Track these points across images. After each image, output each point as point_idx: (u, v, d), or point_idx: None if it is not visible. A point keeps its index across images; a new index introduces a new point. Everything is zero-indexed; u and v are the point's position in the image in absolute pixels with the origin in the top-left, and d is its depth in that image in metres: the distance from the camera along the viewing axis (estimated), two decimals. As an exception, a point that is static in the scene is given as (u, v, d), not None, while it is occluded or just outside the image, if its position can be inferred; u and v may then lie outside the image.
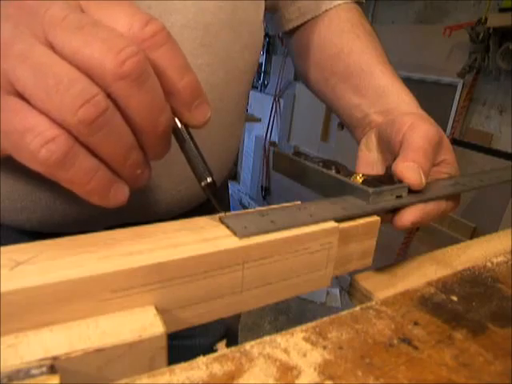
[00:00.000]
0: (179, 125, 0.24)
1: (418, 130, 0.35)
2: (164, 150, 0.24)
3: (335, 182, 0.32)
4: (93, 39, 0.19)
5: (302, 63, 0.53)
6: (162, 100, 0.22)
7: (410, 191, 0.32)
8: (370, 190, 0.29)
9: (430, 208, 0.32)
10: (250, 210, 0.27)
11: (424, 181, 0.31)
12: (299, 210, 0.27)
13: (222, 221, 0.25)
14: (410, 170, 0.32)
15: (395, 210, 0.31)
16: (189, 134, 0.24)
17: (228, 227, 0.24)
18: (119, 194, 0.22)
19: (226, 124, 0.42)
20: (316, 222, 0.26)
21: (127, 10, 0.21)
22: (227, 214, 0.26)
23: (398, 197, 0.31)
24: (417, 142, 0.34)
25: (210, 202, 0.25)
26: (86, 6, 0.22)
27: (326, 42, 0.49)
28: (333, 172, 0.33)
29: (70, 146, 0.20)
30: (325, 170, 0.33)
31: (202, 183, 0.24)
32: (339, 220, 0.27)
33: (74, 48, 0.19)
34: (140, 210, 0.38)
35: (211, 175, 0.24)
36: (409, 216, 0.31)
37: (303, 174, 0.35)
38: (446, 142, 0.37)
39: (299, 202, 0.29)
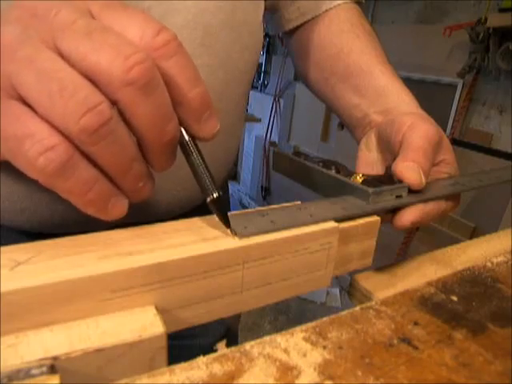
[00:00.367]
0: (186, 137, 0.23)
1: (417, 130, 0.35)
2: (169, 162, 0.24)
3: (335, 182, 0.32)
4: (101, 45, 0.19)
5: (301, 63, 0.53)
6: (169, 109, 0.21)
7: (410, 191, 0.32)
8: (370, 189, 0.29)
9: (430, 208, 0.32)
10: (249, 210, 0.27)
11: (424, 181, 0.31)
12: (299, 210, 0.27)
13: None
14: (409, 170, 0.32)
15: (395, 210, 0.31)
16: (196, 146, 0.24)
17: (228, 227, 0.24)
18: (118, 207, 0.22)
19: (225, 125, 0.41)
20: (316, 222, 0.26)
21: (139, 17, 0.21)
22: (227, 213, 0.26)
23: (398, 197, 0.31)
24: (416, 141, 0.34)
25: None
26: (97, 12, 0.21)
27: (326, 42, 0.49)
28: (333, 172, 0.33)
29: (70, 156, 0.19)
30: (325, 170, 0.33)
31: (208, 198, 0.24)
32: (339, 220, 0.27)
33: (82, 54, 0.19)
34: (141, 211, 0.38)
35: (217, 190, 0.24)
36: (409, 216, 0.31)
37: (303, 174, 0.35)
38: (446, 141, 0.37)
39: (299, 202, 0.29)
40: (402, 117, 0.37)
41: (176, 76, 0.21)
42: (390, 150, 0.38)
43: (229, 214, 0.25)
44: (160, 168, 0.23)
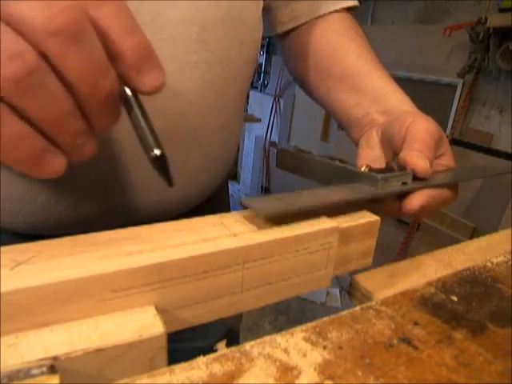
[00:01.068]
0: (128, 92, 0.22)
1: (420, 125, 0.36)
2: (110, 119, 0.22)
3: (342, 172, 0.34)
4: None
5: (295, 65, 0.53)
6: (103, 61, 0.20)
7: (414, 179, 0.33)
8: (379, 175, 0.31)
9: (436, 193, 0.33)
10: (266, 196, 0.27)
11: (430, 169, 0.32)
12: (314, 194, 0.28)
13: (241, 203, 0.25)
14: (416, 158, 0.32)
15: (400, 198, 0.32)
16: (138, 101, 0.22)
17: (249, 207, 0.24)
18: (53, 165, 0.21)
19: (224, 122, 0.41)
20: (334, 201, 0.27)
21: None
22: (246, 198, 0.26)
23: (404, 183, 0.32)
24: (420, 134, 0.35)
25: (210, 202, 0.25)
26: None
27: (322, 44, 0.49)
28: (339, 162, 0.34)
29: None
30: (331, 161, 0.34)
31: (150, 155, 0.22)
32: (357, 199, 0.28)
33: (3, 5, 0.18)
34: (141, 212, 0.38)
35: (160, 147, 0.22)
36: (417, 200, 0.32)
37: (308, 168, 0.36)
38: (446, 140, 0.38)
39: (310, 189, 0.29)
40: (404, 114, 0.38)
41: (108, 27, 0.20)
42: (392, 146, 0.38)
43: (245, 198, 0.25)
44: (101, 126, 0.22)
